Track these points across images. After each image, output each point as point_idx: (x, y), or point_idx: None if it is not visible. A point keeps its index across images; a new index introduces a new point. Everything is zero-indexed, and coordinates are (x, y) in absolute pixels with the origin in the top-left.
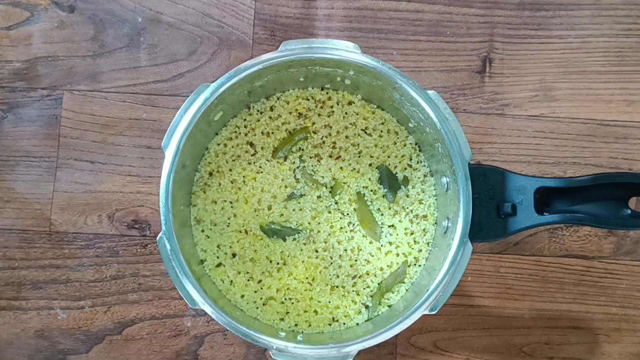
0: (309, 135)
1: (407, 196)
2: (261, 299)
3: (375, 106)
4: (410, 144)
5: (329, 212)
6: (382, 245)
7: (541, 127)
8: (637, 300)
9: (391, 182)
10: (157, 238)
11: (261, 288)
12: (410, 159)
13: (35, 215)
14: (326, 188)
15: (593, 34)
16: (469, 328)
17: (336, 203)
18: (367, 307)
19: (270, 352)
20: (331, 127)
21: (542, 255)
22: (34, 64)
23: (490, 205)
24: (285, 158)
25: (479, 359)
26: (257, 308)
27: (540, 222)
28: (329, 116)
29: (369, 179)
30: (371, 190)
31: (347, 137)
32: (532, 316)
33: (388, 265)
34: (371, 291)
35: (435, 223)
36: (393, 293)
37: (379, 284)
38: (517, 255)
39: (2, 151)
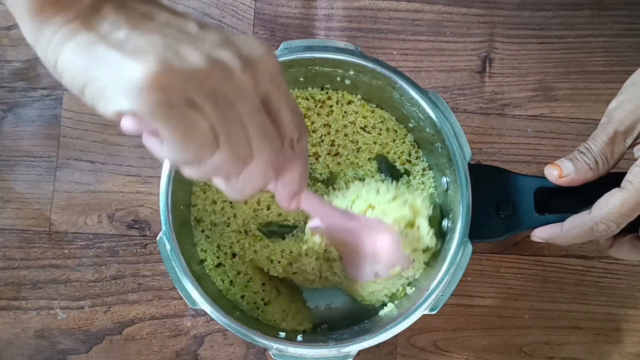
0: (307, 134)
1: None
2: (262, 299)
3: (374, 105)
4: (410, 141)
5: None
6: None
7: (541, 127)
8: (637, 300)
9: (392, 172)
10: (157, 238)
11: (262, 290)
12: (409, 155)
13: (35, 215)
14: (322, 183)
15: (593, 33)
16: (469, 328)
17: (333, 189)
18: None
19: (270, 352)
20: (330, 126)
21: (542, 255)
22: (34, 64)
23: (490, 205)
24: None
25: (479, 359)
26: (257, 308)
27: (540, 222)
28: (328, 115)
29: (368, 170)
30: (371, 177)
31: (345, 135)
32: (532, 316)
33: None
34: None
35: None
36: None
37: None
38: (517, 255)
39: (2, 151)
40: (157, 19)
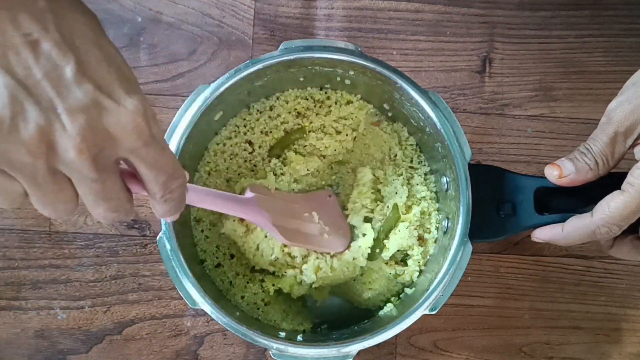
0: (305, 135)
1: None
2: (262, 299)
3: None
4: (411, 145)
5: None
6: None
7: (541, 127)
8: (637, 300)
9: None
10: (157, 238)
11: (262, 290)
12: (412, 160)
13: (35, 215)
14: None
15: (593, 33)
16: (469, 328)
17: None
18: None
19: (270, 352)
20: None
21: (542, 255)
22: None
23: (490, 205)
24: (279, 156)
25: (478, 359)
26: (257, 309)
27: (540, 222)
28: (326, 115)
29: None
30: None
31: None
32: (532, 316)
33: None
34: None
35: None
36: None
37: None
38: (517, 255)
39: None
40: (39, 48)
